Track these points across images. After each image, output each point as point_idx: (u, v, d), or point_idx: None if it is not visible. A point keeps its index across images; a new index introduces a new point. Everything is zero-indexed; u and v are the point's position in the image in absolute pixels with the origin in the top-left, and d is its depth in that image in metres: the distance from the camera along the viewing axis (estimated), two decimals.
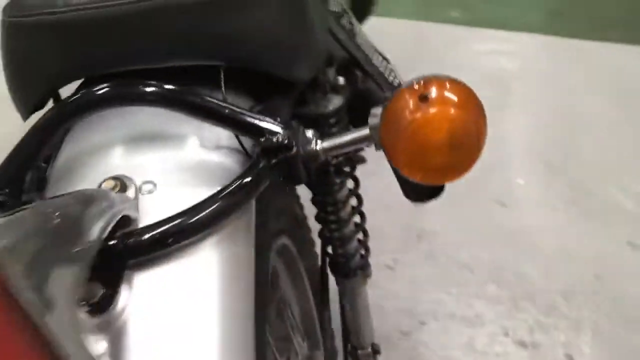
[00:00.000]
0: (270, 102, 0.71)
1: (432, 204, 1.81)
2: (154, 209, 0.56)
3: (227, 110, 0.60)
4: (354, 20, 1.08)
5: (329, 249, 1.01)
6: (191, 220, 0.54)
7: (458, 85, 0.56)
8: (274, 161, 0.60)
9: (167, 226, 0.53)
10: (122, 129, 0.64)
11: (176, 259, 0.54)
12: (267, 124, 0.61)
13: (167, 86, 0.61)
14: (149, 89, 0.60)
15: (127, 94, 0.60)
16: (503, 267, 1.69)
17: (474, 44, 2.37)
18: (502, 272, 1.68)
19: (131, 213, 0.54)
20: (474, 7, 2.56)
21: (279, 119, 0.63)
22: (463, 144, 0.55)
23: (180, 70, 0.67)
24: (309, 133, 0.63)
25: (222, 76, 0.64)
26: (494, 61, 2.31)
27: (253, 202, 0.62)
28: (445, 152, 0.54)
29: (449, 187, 1.87)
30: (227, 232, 0.57)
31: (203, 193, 0.57)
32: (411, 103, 0.55)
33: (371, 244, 1.76)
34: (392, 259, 1.73)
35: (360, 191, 1.05)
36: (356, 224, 0.99)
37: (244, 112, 0.61)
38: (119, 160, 0.61)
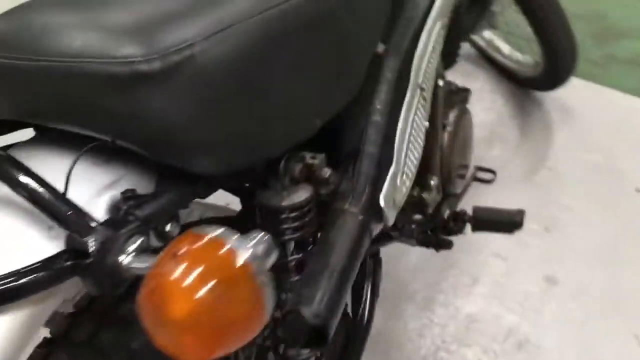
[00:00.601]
0: (161, 187, 0.64)
1: (551, 314, 1.57)
2: None
3: (43, 194, 0.55)
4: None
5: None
6: None
7: (227, 258, 0.44)
8: (69, 263, 0.54)
9: None
10: None
11: None
12: (79, 220, 0.54)
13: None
14: None
15: None
16: None
17: None
18: None
19: None
20: None
21: (124, 212, 0.57)
22: (201, 328, 0.43)
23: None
24: (129, 243, 0.55)
25: (81, 153, 0.59)
26: None
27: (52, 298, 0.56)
28: (170, 330, 0.43)
29: (577, 300, 1.59)
30: None
31: None
32: (169, 254, 0.45)
33: (462, 332, 1.58)
34: (477, 359, 1.52)
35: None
36: None
37: (61, 200, 0.55)
38: None
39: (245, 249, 0.47)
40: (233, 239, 0.47)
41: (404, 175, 0.83)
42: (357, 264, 0.69)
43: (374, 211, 0.74)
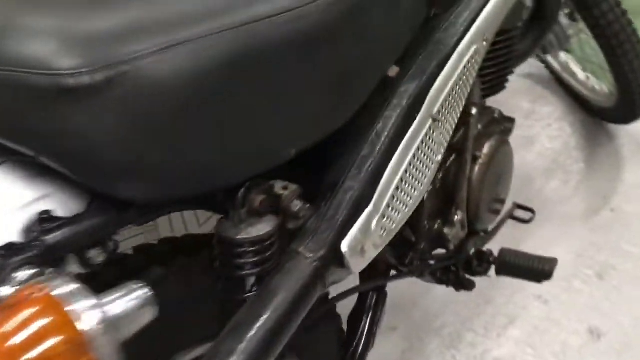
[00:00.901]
0: (92, 210, 0.60)
1: None
2: None
3: None
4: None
5: None
6: None
7: (63, 320, 0.38)
8: None
9: None
10: None
11: None
12: None
13: None
14: None
15: None
16: None
17: None
18: None
19: None
20: None
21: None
22: None
23: None
24: (17, 273, 0.50)
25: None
26: None
27: None
28: None
29: (622, 358, 1.45)
30: None
31: None
32: (3, 306, 0.40)
33: None
34: None
35: None
36: None
37: None
38: None
39: (92, 312, 0.41)
40: (79, 298, 0.41)
41: (385, 218, 0.74)
42: (299, 317, 0.62)
43: (334, 257, 0.67)
